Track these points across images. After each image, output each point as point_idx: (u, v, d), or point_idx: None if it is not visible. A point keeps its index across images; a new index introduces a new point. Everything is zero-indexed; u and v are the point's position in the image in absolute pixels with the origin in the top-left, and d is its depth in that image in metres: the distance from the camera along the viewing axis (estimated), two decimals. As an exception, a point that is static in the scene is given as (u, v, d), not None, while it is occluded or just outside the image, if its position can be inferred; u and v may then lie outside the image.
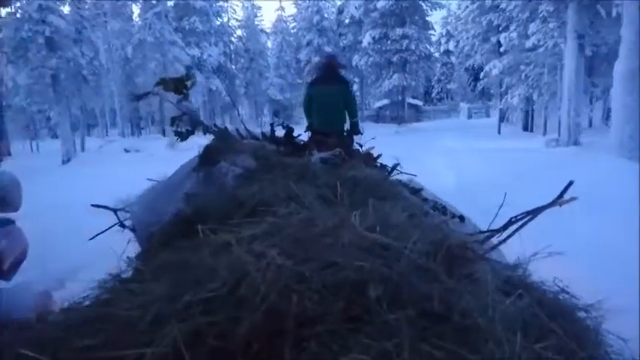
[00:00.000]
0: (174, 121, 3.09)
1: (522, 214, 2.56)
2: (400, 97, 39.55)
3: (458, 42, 51.92)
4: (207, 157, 3.10)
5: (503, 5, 25.31)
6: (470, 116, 45.79)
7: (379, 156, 4.07)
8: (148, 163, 14.62)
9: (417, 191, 3.44)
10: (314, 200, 2.00)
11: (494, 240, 2.63)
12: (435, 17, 40.04)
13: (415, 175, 3.78)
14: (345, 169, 2.78)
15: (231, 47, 45.41)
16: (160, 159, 18.28)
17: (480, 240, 2.57)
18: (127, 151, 23.63)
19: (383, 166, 3.78)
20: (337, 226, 1.30)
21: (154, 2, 27.41)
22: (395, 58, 35.65)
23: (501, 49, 26.16)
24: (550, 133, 23.59)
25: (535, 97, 22.35)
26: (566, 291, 1.49)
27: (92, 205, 4.26)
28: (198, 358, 0.87)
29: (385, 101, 42.58)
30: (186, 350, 0.86)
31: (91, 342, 0.91)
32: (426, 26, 37.71)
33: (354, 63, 37.90)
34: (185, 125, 3.14)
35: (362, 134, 5.03)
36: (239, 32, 48.06)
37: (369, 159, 3.90)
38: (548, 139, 18.96)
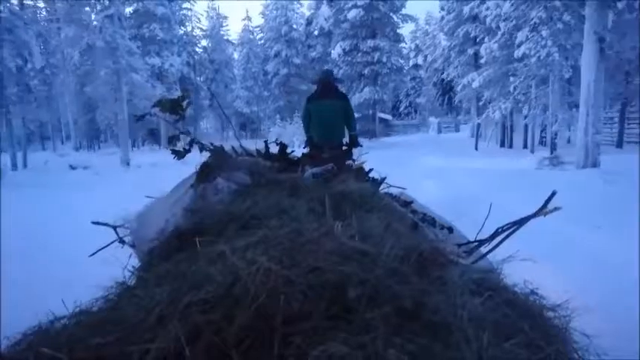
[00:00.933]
0: (171, 140, 3.22)
1: (509, 224, 2.69)
2: (371, 111, 38.37)
3: (426, 56, 51.76)
4: (204, 174, 3.24)
5: (483, 15, 24.27)
6: (440, 131, 45.11)
7: (370, 170, 4.21)
8: (80, 190, 13.09)
9: (407, 204, 3.58)
10: (303, 213, 2.13)
11: (483, 249, 2.77)
12: (404, 31, 39.17)
13: (405, 189, 3.91)
14: (335, 183, 2.90)
15: (195, 57, 43.94)
16: (107, 179, 16.92)
17: (469, 249, 2.71)
18: (72, 167, 21.36)
19: (374, 180, 3.91)
20: (321, 235, 1.43)
21: (107, 4, 24.89)
22: (366, 71, 34.86)
23: (482, 61, 25.17)
24: (534, 150, 22.29)
25: (525, 110, 20.97)
26: (535, 292, 1.61)
27: (92, 223, 4.38)
28: (196, 352, 0.99)
29: (356, 115, 41.13)
30: (186, 345, 0.99)
31: (102, 340, 1.04)
32: (397, 39, 37.00)
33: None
34: (182, 144, 3.27)
35: (361, 147, 5.17)
36: (204, 42, 46.76)
37: (360, 173, 4.03)
38: (540, 157, 17.03)
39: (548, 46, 18.28)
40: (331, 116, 5.15)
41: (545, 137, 23.84)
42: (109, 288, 1.48)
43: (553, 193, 2.65)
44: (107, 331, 1.11)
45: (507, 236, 2.66)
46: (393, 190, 3.77)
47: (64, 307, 1.36)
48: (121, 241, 4.22)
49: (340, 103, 5.26)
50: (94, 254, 3.98)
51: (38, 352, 1.07)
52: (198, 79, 43.96)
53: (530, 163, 16.67)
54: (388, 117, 47.07)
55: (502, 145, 26.82)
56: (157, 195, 4.77)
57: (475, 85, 24.91)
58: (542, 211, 2.64)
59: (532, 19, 18.69)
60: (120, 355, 1.01)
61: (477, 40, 27.64)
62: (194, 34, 44.92)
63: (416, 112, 56.18)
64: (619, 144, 20.40)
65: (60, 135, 40.25)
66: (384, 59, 34.56)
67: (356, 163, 4.55)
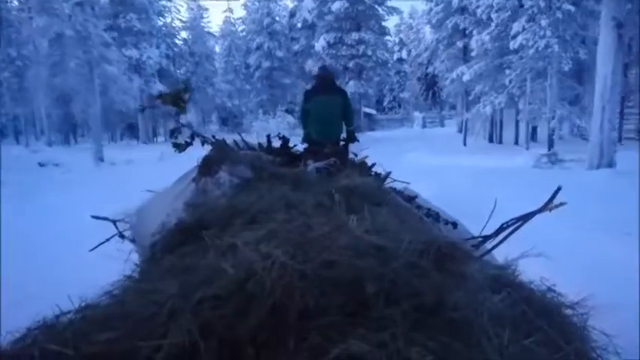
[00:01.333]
0: (173, 132, 3.17)
1: (513, 219, 2.65)
2: (357, 106, 35.78)
3: (410, 51, 50.34)
4: (206, 168, 3.18)
5: (473, 6, 23.29)
6: (424, 125, 44.11)
7: (373, 165, 4.16)
8: (48, 190, 12.20)
9: (411, 199, 3.54)
10: (310, 207, 2.08)
11: (488, 245, 2.73)
12: (388, 24, 37.38)
13: (409, 183, 3.86)
14: (339, 177, 2.86)
15: (175, 50, 42.16)
16: (76, 178, 15.52)
17: (474, 245, 2.67)
18: (41, 165, 19.46)
19: (377, 175, 3.87)
20: (334, 229, 1.39)
21: (78, -10, 23.04)
22: (351, 64, 33.34)
23: (472, 54, 23.83)
24: (522, 145, 21.53)
25: (522, 105, 19.89)
26: (552, 290, 1.57)
27: (92, 217, 4.33)
28: (210, 348, 0.95)
29: None
30: (200, 340, 0.94)
31: (111, 335, 0.99)
32: (383, 31, 35.51)
33: (307, 69, 35.13)
34: (183, 137, 3.22)
35: (358, 142, 5.12)
36: (184, 34, 44.58)
37: (363, 168, 3.99)
38: (537, 154, 15.89)
39: (547, 36, 17.34)
40: (330, 112, 5.11)
41: (536, 134, 23.42)
42: (114, 283, 1.43)
43: (558, 189, 2.62)
44: (114, 326, 1.06)
45: (512, 232, 2.63)
46: (397, 185, 3.73)
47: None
48: (121, 235, 4.17)
49: (339, 98, 5.22)
50: (94, 249, 3.93)
51: (44, 348, 1.02)
52: (178, 72, 42.14)
53: (526, 160, 15.70)
54: (372, 111, 46.17)
55: (491, 140, 25.87)
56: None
57: (465, 78, 23.56)
58: (547, 206, 2.60)
59: (529, 8, 17.75)
60: (130, 350, 0.96)
61: (467, 32, 26.64)
62: (173, 25, 43.20)
63: (400, 106, 55.12)
64: (618, 139, 19.28)
65: (34, 129, 37.79)
66: (369, 52, 33.20)
67: (358, 157, 4.51)
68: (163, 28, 40.65)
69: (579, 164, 13.76)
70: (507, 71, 20.29)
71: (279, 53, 41.29)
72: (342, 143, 5.09)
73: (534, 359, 1.26)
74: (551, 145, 18.24)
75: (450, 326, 1.11)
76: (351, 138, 5.14)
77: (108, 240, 4.12)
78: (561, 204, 2.57)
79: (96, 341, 1.00)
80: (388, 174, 3.36)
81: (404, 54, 51.03)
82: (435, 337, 1.06)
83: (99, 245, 3.98)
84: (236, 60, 45.07)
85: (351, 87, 32.63)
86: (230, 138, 4.04)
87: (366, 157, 4.17)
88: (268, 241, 1.27)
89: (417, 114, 47.99)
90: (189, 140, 3.19)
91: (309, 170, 3.45)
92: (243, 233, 1.50)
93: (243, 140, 4.16)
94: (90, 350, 0.99)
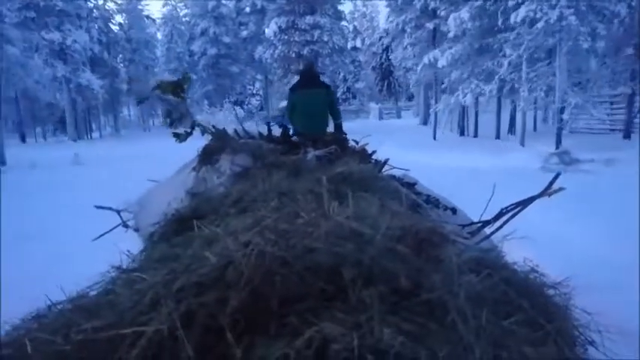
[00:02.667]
0: (172, 122, 3.22)
1: (512, 205, 2.68)
2: None
3: (364, 39, 47.95)
4: (207, 157, 3.23)
5: None
6: (381, 117, 41.86)
7: (374, 152, 4.19)
8: None
9: (410, 185, 3.56)
10: (301, 195, 2.12)
11: (487, 230, 2.76)
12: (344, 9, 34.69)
13: (408, 170, 3.89)
14: (336, 165, 2.89)
15: (110, 35, 37.82)
16: None
17: (473, 230, 2.70)
18: None
19: (377, 162, 3.89)
20: (319, 216, 1.42)
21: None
22: (305, 51, 30.26)
23: (450, 35, 19.93)
24: (504, 139, 19.44)
25: (525, 93, 16.10)
26: (535, 270, 1.60)
27: (96, 207, 4.41)
28: (191, 334, 0.99)
29: None
30: (180, 327, 0.99)
31: (97, 324, 1.04)
32: (339, 16, 32.62)
33: (257, 56, 32.06)
34: (184, 127, 3.26)
35: (346, 135, 5.15)
36: (119, 18, 40.17)
37: (363, 155, 4.02)
38: (545, 153, 12.99)
39: (560, 6, 13.99)
40: (315, 105, 5.14)
41: (514, 126, 21.01)
42: (105, 273, 1.48)
43: (558, 174, 2.65)
44: (102, 315, 1.11)
45: (512, 217, 2.65)
46: (396, 172, 3.76)
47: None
48: (125, 225, 4.25)
49: (324, 92, 5.27)
50: (97, 238, 4.01)
51: (35, 337, 1.07)
52: (114, 59, 38.58)
53: (527, 159, 12.80)
54: None
55: (462, 133, 23.57)
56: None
57: (442, 64, 20.41)
58: (546, 191, 2.62)
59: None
60: (113, 338, 1.01)
61: (437, 12, 23.34)
62: (107, 8, 38.42)
63: (354, 97, 52.10)
64: (627, 134, 16.47)
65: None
66: (325, 38, 30.58)
67: (359, 145, 4.53)
68: (95, 11, 36.27)
69: (603, 165, 11.08)
70: (500, 52, 17.52)
71: (226, 39, 37.80)
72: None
73: (514, 339, 1.30)
74: (559, 140, 15.53)
75: (425, 308, 1.15)
76: (339, 131, 5.18)
77: (112, 230, 4.19)
78: (560, 189, 2.59)
79: (84, 329, 1.05)
80: (386, 161, 3.38)
81: (358, 42, 47.97)
82: (410, 319, 1.10)
83: (103, 235, 4.05)
84: (179, 47, 41.34)
85: None
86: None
87: (367, 144, 4.19)
88: (252, 229, 1.30)
89: (373, 105, 45.77)
90: (189, 130, 3.24)
91: (309, 158, 3.48)
92: (230, 222, 1.54)
93: (243, 129, 4.20)
94: (77, 338, 1.04)
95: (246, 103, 43.53)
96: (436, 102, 23.32)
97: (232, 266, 1.08)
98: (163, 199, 3.69)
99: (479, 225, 2.79)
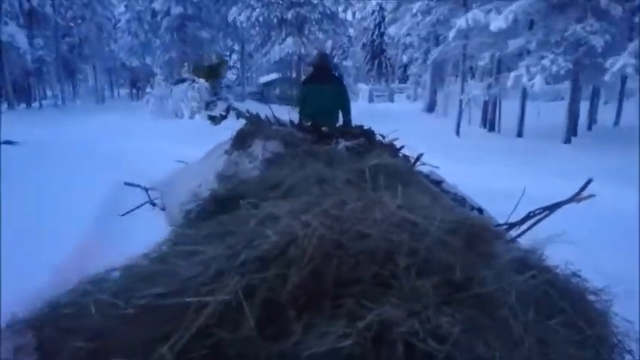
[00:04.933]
0: (207, 105, 3.24)
1: (540, 209, 2.66)
2: (294, 73, 28.10)
3: (355, 13, 40.32)
4: (240, 141, 3.26)
5: None
6: (371, 100, 36.74)
7: (402, 147, 4.19)
8: None
9: (438, 183, 3.57)
10: (342, 183, 2.14)
11: (513, 232, 2.75)
12: None
13: (437, 167, 3.88)
14: (370, 157, 2.90)
15: None
16: None
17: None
18: None
19: (405, 157, 3.90)
20: (368, 204, 1.44)
21: None
22: (289, 15, 25.20)
23: None
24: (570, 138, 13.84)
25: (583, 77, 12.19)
26: (577, 275, 1.61)
27: (125, 183, 4.47)
28: (253, 307, 1.02)
29: (273, 75, 30.88)
30: (245, 300, 1.01)
31: (159, 290, 1.06)
32: None
33: (230, 19, 26.27)
34: (219, 110, 3.29)
35: None
36: None
37: (392, 149, 4.02)
38: None
39: None
40: (327, 100, 5.14)
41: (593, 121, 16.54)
42: (155, 244, 1.52)
43: (589, 180, 2.62)
44: (161, 283, 1.14)
45: (538, 221, 2.64)
46: (424, 169, 3.76)
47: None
48: (152, 203, 4.31)
49: (336, 87, 5.26)
50: (126, 214, 4.07)
51: (98, 299, 1.10)
52: (61, 16, 31.58)
53: None
54: None
55: (492, 128, 18.22)
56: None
57: (497, 26, 13.08)
58: (576, 197, 2.61)
59: None
60: (177, 305, 1.03)
61: None
62: None
63: (341, 77, 47.09)
64: None
65: None
66: (315, 0, 25.48)
67: (387, 139, 4.53)
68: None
69: None
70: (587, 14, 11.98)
71: (193, -4, 30.77)
72: None
73: (557, 339, 1.31)
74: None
75: (476, 301, 1.16)
76: (348, 126, 5.19)
77: (140, 207, 4.26)
78: (590, 196, 2.57)
79: (146, 295, 1.08)
80: (420, 156, 3.38)
81: (349, 15, 39.65)
82: (463, 311, 1.11)
83: (131, 211, 4.12)
84: (139, 4, 33.46)
85: (287, 46, 25.49)
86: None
87: (396, 139, 4.19)
88: (305, 212, 1.32)
89: (362, 86, 39.44)
90: (224, 113, 3.26)
91: (339, 148, 3.49)
92: (280, 204, 1.56)
93: (274, 116, 4.22)
94: (139, 303, 1.07)
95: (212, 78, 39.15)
96: (463, 85, 17.46)
97: (295, 244, 1.10)
98: (192, 180, 3.74)
99: (505, 227, 2.79)
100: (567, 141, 13.83)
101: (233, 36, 31.57)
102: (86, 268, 1.44)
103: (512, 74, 13.65)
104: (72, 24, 32.76)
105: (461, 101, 16.93)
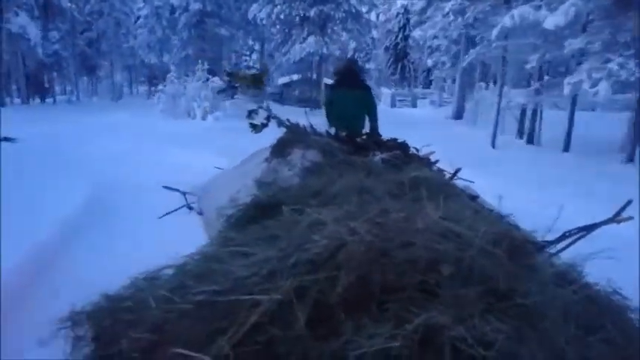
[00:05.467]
0: (250, 114, 3.33)
1: (576, 229, 2.64)
2: (314, 74, 26.43)
3: (379, 15, 38.09)
4: (279, 149, 3.34)
5: None
6: (393, 105, 35.24)
7: (437, 161, 4.20)
8: None
9: (473, 198, 3.57)
10: (382, 194, 2.18)
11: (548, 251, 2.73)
12: None
13: (472, 182, 3.88)
14: (408, 169, 2.93)
15: None
16: None
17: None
18: None
19: (440, 170, 3.91)
20: (411, 214, 1.48)
21: None
22: (312, 13, 23.38)
23: None
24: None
25: None
26: (618, 292, 1.61)
27: (164, 187, 4.60)
28: (304, 307, 1.07)
29: (294, 76, 29.60)
30: (296, 300, 1.06)
31: (215, 288, 1.12)
32: None
33: (250, 16, 24.96)
34: (260, 118, 3.38)
35: (381, 136, 5.15)
36: None
37: (428, 162, 4.04)
38: None
39: None
40: (353, 106, 5.17)
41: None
42: (202, 245, 1.58)
43: (629, 202, 2.59)
44: (214, 281, 1.20)
45: (574, 241, 2.61)
46: (458, 183, 3.77)
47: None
48: (189, 207, 4.42)
49: (363, 93, 5.29)
50: (163, 216, 4.19)
51: (154, 295, 1.17)
52: (78, 9, 30.09)
53: None
54: (332, 82, 36.85)
55: (530, 140, 15.90)
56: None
57: (553, 24, 10.86)
58: (615, 218, 2.58)
59: None
60: (231, 302, 1.09)
61: None
62: None
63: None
64: None
65: None
66: None
67: (423, 152, 4.54)
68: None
69: None
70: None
71: (216, -7, 29.31)
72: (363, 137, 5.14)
73: (597, 355, 1.32)
74: None
75: (519, 312, 1.19)
76: (374, 132, 5.20)
77: (176, 210, 4.38)
78: (629, 218, 2.53)
79: (201, 291, 1.14)
80: (457, 171, 3.40)
81: (372, 16, 35.84)
82: (506, 320, 1.14)
83: (168, 214, 4.23)
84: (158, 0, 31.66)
85: (309, 45, 23.68)
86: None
87: (432, 152, 4.20)
88: (351, 220, 1.37)
89: (384, 90, 38.00)
90: (265, 122, 3.35)
91: (375, 160, 3.54)
92: (323, 212, 1.61)
93: (311, 126, 4.29)
94: (195, 299, 1.13)
95: (227, 72, 36.57)
96: (501, 90, 15.40)
97: (345, 249, 1.15)
98: (229, 186, 3.83)
99: (542, 245, 2.77)
100: (629, 159, 11.52)
101: (253, 34, 30.34)
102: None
103: (568, 80, 11.40)
104: (89, 19, 31.50)
105: (499, 109, 15.13)
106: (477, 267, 1.21)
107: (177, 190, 4.45)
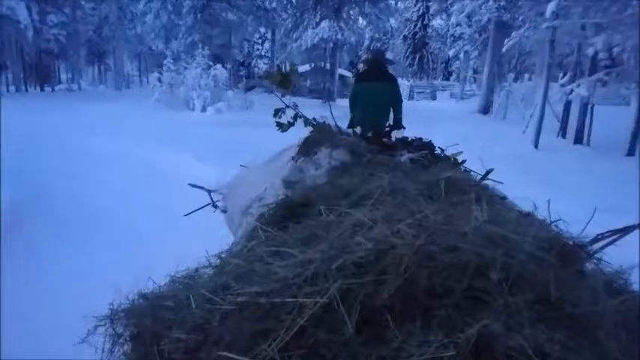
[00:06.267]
0: (277, 112, 3.31)
1: (610, 231, 2.57)
2: (328, 62, 24.29)
3: (397, 3, 34.34)
4: (307, 148, 3.30)
5: None
6: (411, 97, 33.55)
7: (464, 161, 4.13)
8: None
9: (502, 199, 3.50)
10: (416, 195, 2.14)
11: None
12: None
13: (502, 183, 3.81)
14: (438, 169, 2.88)
15: None
16: None
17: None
18: None
19: (467, 171, 3.85)
20: (454, 217, 1.44)
21: None
22: None
23: None
24: None
25: None
26: (665, 301, 1.55)
27: (189, 184, 4.60)
28: (350, 311, 1.03)
29: (306, 66, 28.35)
30: (341, 303, 1.03)
31: (258, 289, 1.10)
32: None
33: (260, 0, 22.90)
34: (287, 117, 3.35)
35: (404, 129, 5.06)
36: None
37: (456, 162, 3.98)
38: None
39: None
40: (379, 98, 5.12)
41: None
42: (241, 244, 1.56)
43: None
44: (257, 282, 1.17)
45: (607, 244, 2.55)
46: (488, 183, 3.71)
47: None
48: (214, 205, 4.41)
49: (389, 85, 5.24)
50: (189, 214, 4.18)
51: (197, 293, 1.15)
52: None
53: None
54: (347, 74, 34.58)
55: (579, 140, 13.71)
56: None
57: None
58: (651, 221, 2.50)
59: None
60: (275, 305, 1.06)
61: None
62: None
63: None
64: None
65: None
66: None
67: (450, 152, 4.48)
68: None
69: None
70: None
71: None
72: (387, 129, 5.07)
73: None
74: None
75: (572, 321, 1.14)
76: (398, 125, 5.13)
77: (202, 208, 4.37)
78: None
79: (244, 292, 1.11)
80: (489, 171, 3.34)
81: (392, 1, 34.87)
82: (558, 330, 1.09)
83: (193, 212, 4.23)
84: None
85: (322, 30, 21.53)
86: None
87: (460, 152, 4.14)
88: (394, 221, 1.33)
89: (403, 82, 35.03)
90: (292, 121, 3.33)
91: (402, 160, 3.49)
92: (360, 212, 1.58)
93: (336, 125, 4.26)
94: (238, 300, 1.11)
95: (253, 65, 34.51)
96: (547, 82, 13.15)
97: (392, 252, 1.11)
98: (256, 184, 3.81)
99: (593, 251, 2.70)
100: (630, 154, 10.31)
101: (264, 20, 27.99)
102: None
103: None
104: (92, 3, 29.97)
105: (544, 102, 13.02)
106: (527, 273, 1.17)
107: (202, 188, 4.45)
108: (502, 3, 17.45)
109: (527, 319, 1.07)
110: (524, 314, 1.08)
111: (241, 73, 30.33)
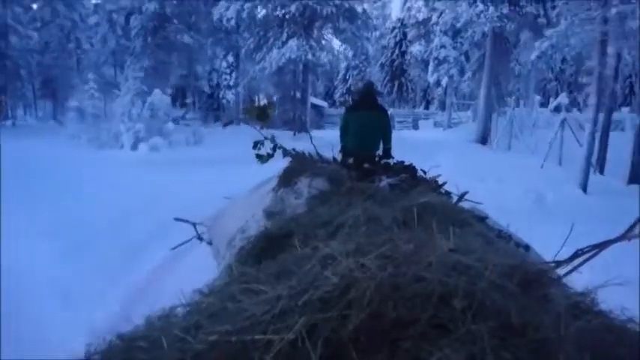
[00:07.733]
0: (256, 144, 3.37)
1: (589, 247, 2.63)
2: (298, 89, 21.66)
3: (374, 28, 31.60)
4: (287, 179, 3.36)
5: None
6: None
7: (444, 183, 4.20)
8: None
9: (482, 219, 3.56)
10: (390, 223, 2.19)
11: (560, 271, 2.72)
12: None
13: (481, 204, 3.88)
14: (414, 194, 2.93)
15: None
16: None
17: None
18: None
19: (448, 193, 3.91)
20: (421, 246, 1.48)
21: None
22: (293, 8, 18.61)
23: None
24: None
25: None
26: (633, 320, 1.59)
27: (175, 219, 4.63)
28: (316, 346, 1.07)
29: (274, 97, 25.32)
30: (307, 339, 1.06)
31: (228, 327, 1.13)
32: None
33: (216, 16, 20.13)
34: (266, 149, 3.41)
35: (393, 158, 5.16)
36: None
37: (435, 186, 4.04)
38: None
39: None
40: (368, 128, 5.22)
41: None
42: (215, 280, 1.59)
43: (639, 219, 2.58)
44: (227, 321, 1.20)
45: (586, 260, 2.60)
46: (466, 205, 3.76)
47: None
48: (199, 237, 4.44)
49: (379, 115, 5.35)
50: (175, 248, 4.22)
51: (169, 334, 1.17)
52: (13, 15, 25.01)
53: None
54: (322, 103, 33.38)
55: (601, 171, 12.46)
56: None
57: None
58: (626, 235, 2.57)
59: None
60: (245, 342, 1.09)
61: None
62: None
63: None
64: None
65: None
66: None
67: (428, 174, 4.56)
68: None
69: None
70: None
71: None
72: (376, 159, 5.16)
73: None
74: None
75: (533, 347, 1.18)
76: (387, 155, 5.23)
77: (188, 241, 4.41)
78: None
79: (215, 331, 1.14)
80: (464, 194, 3.40)
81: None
82: (520, 356, 1.13)
83: (179, 245, 4.27)
84: (110, 2, 25.67)
85: (289, 50, 18.76)
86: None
87: (439, 175, 4.21)
88: (361, 253, 1.38)
89: None
90: (271, 152, 3.38)
91: (382, 185, 3.55)
92: (333, 244, 1.62)
93: (317, 153, 4.32)
94: (209, 339, 1.14)
95: (221, 96, 30.55)
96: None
97: (355, 287, 1.15)
98: (239, 215, 3.85)
99: (552, 265, 2.76)
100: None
101: (225, 42, 25.87)
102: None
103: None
104: (31, 27, 26.48)
105: (593, 131, 10.34)
106: (489, 301, 1.21)
107: (188, 222, 4.48)
108: (504, 11, 15.65)
109: (489, 346, 1.10)
110: (486, 342, 1.12)
111: (215, 107, 27.92)
